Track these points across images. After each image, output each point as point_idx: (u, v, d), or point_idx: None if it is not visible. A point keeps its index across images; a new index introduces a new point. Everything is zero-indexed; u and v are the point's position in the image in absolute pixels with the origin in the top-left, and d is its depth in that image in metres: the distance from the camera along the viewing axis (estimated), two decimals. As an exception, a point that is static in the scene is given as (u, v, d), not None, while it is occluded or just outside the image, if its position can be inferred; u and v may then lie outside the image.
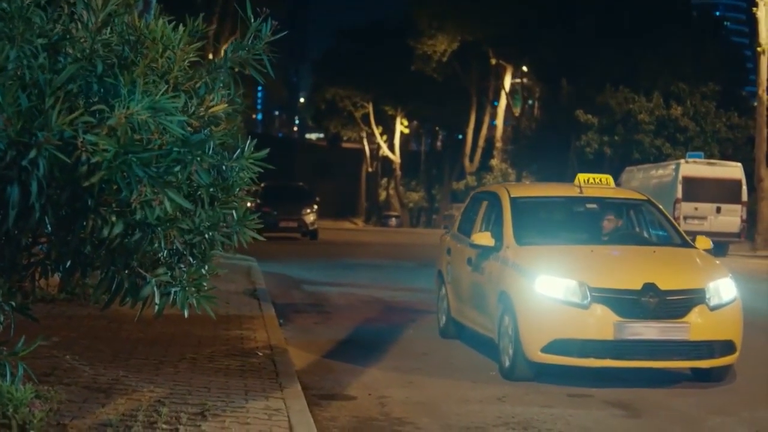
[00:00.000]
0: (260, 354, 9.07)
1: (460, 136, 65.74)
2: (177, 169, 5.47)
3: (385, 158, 78.42)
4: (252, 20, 5.88)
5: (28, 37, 5.43)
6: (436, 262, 13.25)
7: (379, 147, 77.79)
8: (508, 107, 59.20)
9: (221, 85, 6.24)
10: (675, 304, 9.24)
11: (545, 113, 54.29)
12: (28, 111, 5.16)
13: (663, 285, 9.25)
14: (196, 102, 5.92)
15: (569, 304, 9.21)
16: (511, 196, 10.96)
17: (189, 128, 5.74)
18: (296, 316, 13.61)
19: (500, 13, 50.03)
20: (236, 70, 6.27)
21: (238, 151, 6.28)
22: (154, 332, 10.02)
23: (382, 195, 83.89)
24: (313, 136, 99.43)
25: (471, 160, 61.43)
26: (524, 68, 57.64)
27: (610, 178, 11.32)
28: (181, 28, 5.96)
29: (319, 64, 74.79)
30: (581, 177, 11.15)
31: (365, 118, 73.80)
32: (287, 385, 7.70)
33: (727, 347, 9.42)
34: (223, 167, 6.25)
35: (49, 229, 5.80)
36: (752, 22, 36.14)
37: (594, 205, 11.09)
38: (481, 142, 61.24)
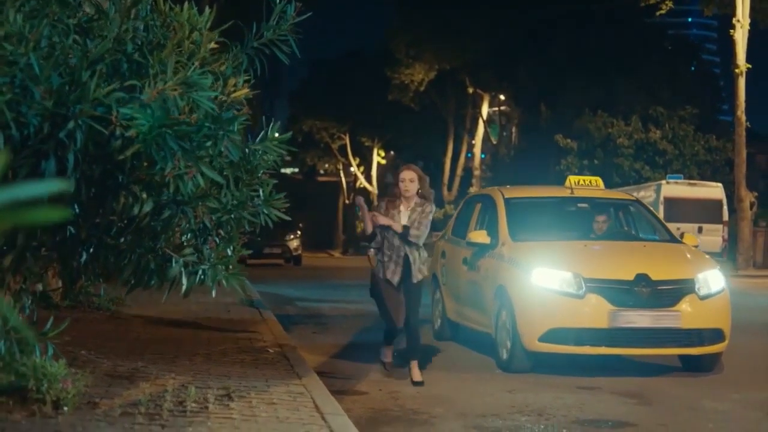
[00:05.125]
0: (271, 351, 9.10)
1: (437, 165, 65.62)
2: (208, 144, 5.55)
3: (362, 189, 78.43)
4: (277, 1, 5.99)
5: (60, 17, 5.51)
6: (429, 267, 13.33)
7: (356, 178, 77.76)
8: (486, 135, 59.37)
9: (243, 69, 6.34)
10: (666, 294, 9.51)
11: (524, 139, 54.52)
12: (61, 86, 5.23)
13: (654, 275, 9.53)
14: (222, 83, 6.01)
15: (565, 295, 9.44)
16: (505, 196, 11.23)
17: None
18: (294, 327, 13.63)
19: (477, 41, 50.24)
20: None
21: (262, 133, 6.37)
22: (162, 333, 10.05)
23: (359, 227, 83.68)
24: (288, 170, 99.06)
25: (449, 188, 61.47)
26: (501, 96, 57.89)
27: (600, 180, 11.60)
28: (207, 10, 6.07)
29: (295, 95, 74.64)
30: (572, 179, 11.45)
31: (342, 149, 73.85)
32: (304, 375, 7.73)
33: (717, 335, 9.69)
34: (247, 150, 6.34)
35: (77, 210, 5.84)
36: (724, 50, 36.58)
37: (585, 205, 11.36)
38: (459, 171, 61.31)
